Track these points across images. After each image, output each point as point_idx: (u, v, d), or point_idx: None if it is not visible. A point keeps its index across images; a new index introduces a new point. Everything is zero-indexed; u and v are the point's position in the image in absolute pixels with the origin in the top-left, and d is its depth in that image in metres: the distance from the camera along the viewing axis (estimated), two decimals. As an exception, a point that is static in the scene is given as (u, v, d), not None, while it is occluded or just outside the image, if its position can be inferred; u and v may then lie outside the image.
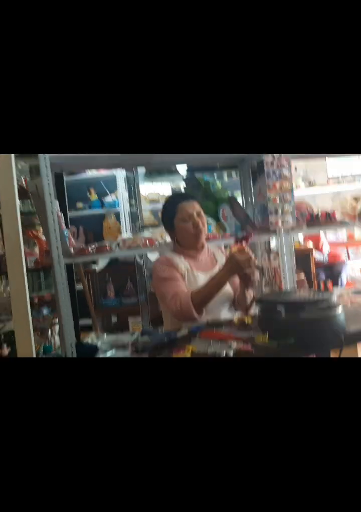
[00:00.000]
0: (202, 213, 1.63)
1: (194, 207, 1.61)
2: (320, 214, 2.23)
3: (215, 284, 1.44)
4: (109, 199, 4.41)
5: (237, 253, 1.40)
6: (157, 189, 3.90)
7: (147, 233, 1.96)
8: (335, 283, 3.93)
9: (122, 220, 4.35)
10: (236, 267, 1.40)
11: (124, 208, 4.30)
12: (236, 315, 1.60)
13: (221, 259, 1.72)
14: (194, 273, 1.60)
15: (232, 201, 2.15)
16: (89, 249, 1.69)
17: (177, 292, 1.46)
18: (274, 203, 1.99)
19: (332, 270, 3.90)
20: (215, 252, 1.80)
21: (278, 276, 2.40)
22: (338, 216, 2.25)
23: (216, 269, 1.63)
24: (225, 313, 1.66)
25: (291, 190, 2.03)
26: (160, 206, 4.10)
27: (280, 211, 1.99)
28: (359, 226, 2.27)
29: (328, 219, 2.20)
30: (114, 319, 4.09)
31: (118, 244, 1.82)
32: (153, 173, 2.18)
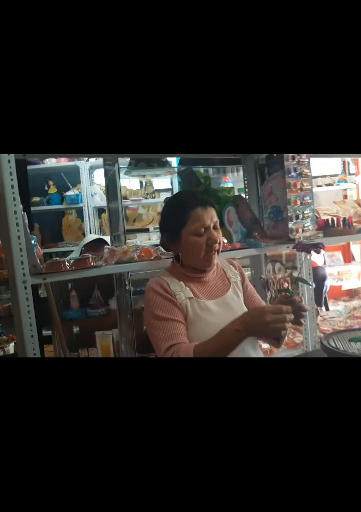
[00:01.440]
0: (218, 224, 1.13)
1: (212, 217, 1.11)
2: (335, 220, 1.92)
3: (226, 343, 0.94)
4: (70, 193, 3.89)
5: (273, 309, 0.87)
6: (124, 183, 3.44)
7: (138, 241, 1.51)
8: (320, 289, 3.75)
9: (85, 217, 3.86)
10: (257, 320, 0.89)
11: (88, 203, 3.82)
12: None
13: (235, 277, 1.22)
14: (200, 304, 1.09)
15: (238, 200, 1.77)
16: (66, 264, 1.21)
17: (175, 344, 0.99)
18: (294, 206, 1.63)
19: (315, 275, 3.71)
20: (224, 266, 1.25)
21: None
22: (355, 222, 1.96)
23: (230, 293, 1.16)
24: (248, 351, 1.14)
25: (311, 191, 1.70)
26: (129, 203, 3.78)
27: (301, 216, 1.65)
28: (373, 234, 1.99)
29: (345, 226, 1.90)
30: (75, 330, 3.56)
31: (103, 258, 1.36)
32: (140, 165, 1.72)
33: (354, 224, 1.92)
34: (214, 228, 1.11)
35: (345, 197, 4.32)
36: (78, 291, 3.32)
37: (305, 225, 1.67)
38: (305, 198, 1.65)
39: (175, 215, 1.10)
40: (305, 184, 1.65)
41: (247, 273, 2.90)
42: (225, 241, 1.79)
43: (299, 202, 1.63)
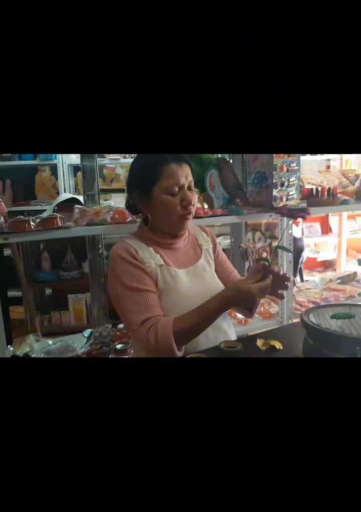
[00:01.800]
0: (193, 184, 1.00)
1: (187, 176, 0.97)
2: (319, 190, 1.86)
3: (206, 319, 0.91)
4: (43, 147, 3.61)
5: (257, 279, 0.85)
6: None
7: (113, 202, 1.39)
8: (296, 260, 3.77)
9: (60, 175, 3.64)
10: (244, 298, 0.87)
11: (62, 160, 3.60)
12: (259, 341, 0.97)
13: (207, 244, 1.12)
14: (171, 272, 0.98)
15: (222, 163, 1.67)
16: (31, 223, 1.10)
17: (150, 317, 0.90)
18: (281, 172, 1.55)
19: (294, 245, 3.71)
20: (196, 233, 1.14)
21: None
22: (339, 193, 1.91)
23: (201, 262, 1.06)
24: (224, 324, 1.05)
25: (298, 158, 1.61)
26: (107, 162, 3.56)
27: (286, 183, 1.57)
28: (358, 203, 1.96)
29: (329, 196, 1.85)
30: (47, 292, 3.45)
31: (74, 219, 1.25)
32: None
33: (339, 195, 1.87)
34: (189, 188, 0.98)
35: (328, 167, 4.28)
36: (50, 253, 3.19)
37: (290, 193, 1.59)
38: (291, 164, 1.57)
39: (146, 170, 0.95)
40: (292, 149, 1.56)
41: (226, 241, 2.85)
42: (206, 206, 1.70)
43: (285, 168, 1.54)
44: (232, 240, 2.02)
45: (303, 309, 1.83)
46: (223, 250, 2.68)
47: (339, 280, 2.16)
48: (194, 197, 0.99)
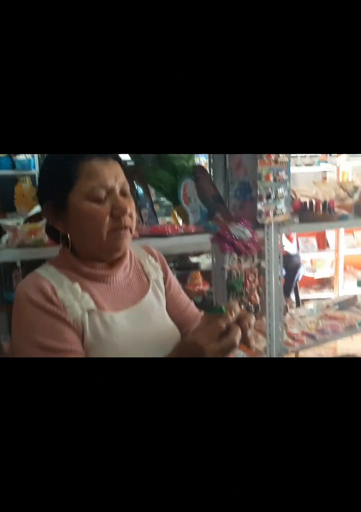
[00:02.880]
0: (127, 188, 0.72)
1: (118, 176, 0.71)
2: (314, 203, 1.61)
3: None
4: (21, 157, 3.41)
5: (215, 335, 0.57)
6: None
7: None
8: (291, 278, 3.51)
9: (38, 186, 3.40)
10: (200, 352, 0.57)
11: (41, 170, 3.36)
12: None
13: (156, 273, 0.83)
14: (105, 319, 0.70)
15: (199, 172, 1.42)
16: None
17: None
18: (266, 182, 1.30)
19: (288, 262, 3.46)
20: (141, 257, 0.84)
21: (249, 284, 1.78)
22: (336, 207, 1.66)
23: (148, 297, 0.78)
24: None
25: (288, 165, 1.37)
26: None
27: (273, 195, 1.32)
28: (357, 219, 1.71)
29: (325, 211, 1.60)
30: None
31: (6, 239, 0.99)
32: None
33: (336, 209, 1.62)
34: (122, 193, 0.71)
35: (324, 179, 4.07)
36: (25, 273, 2.92)
37: (278, 207, 1.34)
38: (279, 173, 1.32)
39: (58, 170, 0.68)
40: (281, 156, 1.31)
41: (207, 260, 2.55)
42: (181, 222, 1.45)
43: (271, 178, 1.30)
44: (214, 260, 1.76)
45: (296, 344, 1.56)
46: (204, 272, 2.36)
47: (338, 306, 1.89)
48: (131, 205, 0.72)
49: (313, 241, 4.48)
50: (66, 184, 0.67)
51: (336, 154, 3.94)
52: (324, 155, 4.14)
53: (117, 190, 0.69)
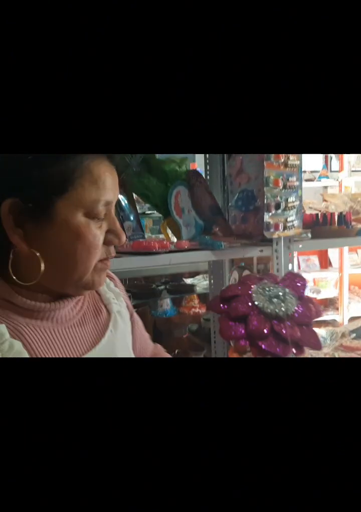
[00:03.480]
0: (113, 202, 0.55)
1: (117, 186, 0.55)
2: (326, 215, 1.39)
3: None
4: None
5: None
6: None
7: None
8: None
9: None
10: None
11: None
12: None
13: (119, 304, 0.63)
14: None
15: (193, 178, 1.21)
16: None
17: None
18: (274, 189, 1.08)
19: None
20: (103, 296, 0.62)
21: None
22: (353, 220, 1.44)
23: (110, 336, 0.57)
24: None
25: (300, 170, 1.15)
26: None
27: (283, 204, 1.09)
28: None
29: (341, 225, 1.38)
30: None
31: None
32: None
33: (353, 223, 1.40)
34: (107, 203, 0.53)
35: (325, 200, 3.91)
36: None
37: (289, 219, 1.12)
38: (290, 178, 1.10)
39: (48, 164, 0.49)
40: (291, 158, 1.10)
41: (204, 283, 2.25)
42: (171, 236, 1.23)
43: (281, 183, 1.07)
44: (212, 281, 1.52)
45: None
46: (200, 295, 2.10)
47: (354, 334, 1.65)
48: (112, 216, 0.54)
49: (315, 259, 4.27)
50: (60, 184, 0.47)
51: (337, 170, 3.80)
52: (324, 171, 4.00)
53: (113, 209, 0.51)
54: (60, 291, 0.52)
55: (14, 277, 0.49)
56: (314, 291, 3.89)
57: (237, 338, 0.32)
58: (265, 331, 0.31)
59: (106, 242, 0.52)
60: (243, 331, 0.33)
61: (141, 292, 1.51)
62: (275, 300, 0.33)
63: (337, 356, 1.44)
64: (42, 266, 0.48)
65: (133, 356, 0.61)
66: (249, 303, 0.32)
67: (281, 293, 0.33)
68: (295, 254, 3.99)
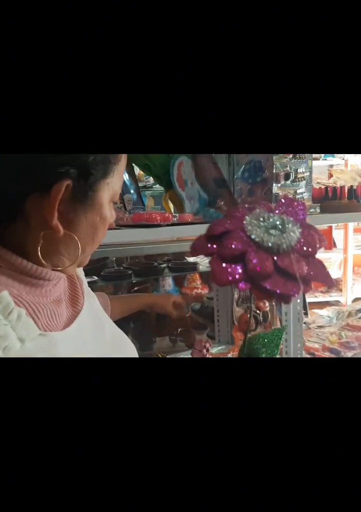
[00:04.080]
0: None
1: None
2: (336, 189, 1.34)
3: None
4: None
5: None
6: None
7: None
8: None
9: None
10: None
11: None
12: None
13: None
14: (44, 342, 0.47)
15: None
16: None
17: None
18: (283, 158, 1.02)
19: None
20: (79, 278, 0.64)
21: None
22: (364, 195, 1.37)
23: (84, 319, 0.56)
24: None
25: (310, 138, 1.08)
26: None
27: (292, 175, 1.04)
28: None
29: (351, 199, 1.32)
30: None
31: None
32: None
33: (364, 197, 1.34)
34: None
35: (330, 175, 3.83)
36: None
37: (298, 191, 1.06)
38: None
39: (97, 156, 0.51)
40: (301, 125, 1.03)
41: (206, 260, 2.27)
42: (173, 208, 1.18)
43: (290, 153, 1.01)
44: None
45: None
46: (203, 274, 2.05)
47: (360, 313, 1.61)
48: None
49: (319, 240, 4.23)
50: (103, 171, 0.50)
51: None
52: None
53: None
54: (69, 266, 0.51)
55: (44, 261, 0.48)
56: (318, 272, 3.86)
57: (235, 281, 0.27)
58: (268, 268, 0.27)
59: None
60: (241, 272, 0.28)
61: (142, 270, 1.47)
62: (273, 231, 0.28)
63: (343, 335, 1.41)
64: (80, 247, 0.49)
65: (108, 316, 0.65)
66: (245, 239, 0.28)
67: (278, 223, 0.29)
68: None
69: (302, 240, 0.30)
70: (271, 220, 0.30)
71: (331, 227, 3.96)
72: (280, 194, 1.03)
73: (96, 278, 1.31)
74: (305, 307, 3.33)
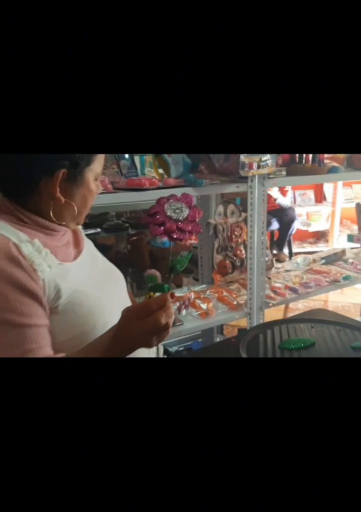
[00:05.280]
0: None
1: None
2: (304, 155, 1.55)
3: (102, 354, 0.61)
4: None
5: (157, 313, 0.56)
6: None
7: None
8: (285, 232, 3.49)
9: None
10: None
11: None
12: None
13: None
14: (67, 270, 0.70)
15: (181, 122, 1.34)
16: None
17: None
18: (249, 132, 1.22)
19: (282, 215, 3.41)
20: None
21: (235, 239, 1.76)
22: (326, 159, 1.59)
23: (87, 243, 0.83)
24: None
25: (275, 113, 1.28)
26: None
27: (257, 146, 1.24)
28: (347, 171, 1.66)
29: (314, 163, 1.54)
30: None
31: None
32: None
33: (326, 162, 1.56)
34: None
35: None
36: None
37: (263, 159, 1.28)
38: (265, 122, 1.24)
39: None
40: (266, 103, 1.23)
41: None
42: (162, 173, 1.40)
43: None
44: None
45: (278, 297, 1.57)
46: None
47: (324, 260, 1.89)
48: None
49: (311, 194, 4.39)
50: (87, 161, 0.70)
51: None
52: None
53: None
54: (67, 226, 0.75)
55: (54, 218, 0.71)
56: (305, 224, 4.09)
57: (159, 233, 0.55)
58: (174, 227, 0.55)
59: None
60: (162, 229, 0.56)
61: (138, 223, 1.73)
62: (176, 210, 0.56)
63: (304, 278, 1.70)
64: (76, 210, 0.72)
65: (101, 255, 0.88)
66: (164, 214, 0.54)
67: (179, 206, 0.55)
68: (290, 188, 4.09)
69: (189, 214, 0.57)
70: (176, 205, 0.57)
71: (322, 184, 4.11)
72: (246, 162, 1.25)
73: (99, 230, 1.57)
74: (290, 254, 3.62)
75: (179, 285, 1.88)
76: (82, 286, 0.70)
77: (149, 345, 0.58)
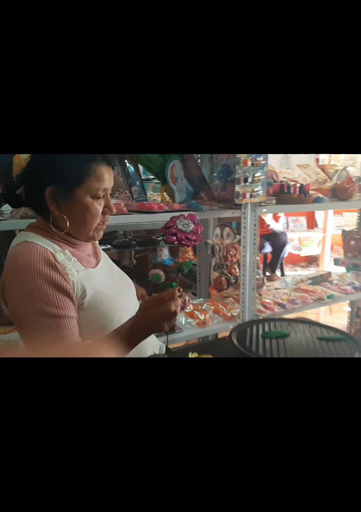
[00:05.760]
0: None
1: (111, 181, 0.85)
2: (291, 186, 1.76)
3: (127, 346, 0.80)
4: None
5: (166, 305, 0.75)
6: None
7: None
8: (277, 255, 3.69)
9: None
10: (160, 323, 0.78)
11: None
12: None
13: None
14: (91, 275, 0.87)
15: (186, 153, 1.56)
16: None
17: (70, 348, 0.76)
18: (244, 166, 1.44)
19: (275, 240, 3.63)
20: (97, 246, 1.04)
21: (230, 258, 1.96)
22: (311, 190, 1.81)
23: (103, 255, 0.99)
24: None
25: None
26: None
27: (250, 179, 1.47)
28: (332, 202, 1.87)
29: (300, 194, 1.75)
30: None
31: (11, 211, 1.14)
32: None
33: (311, 192, 1.77)
34: (109, 194, 0.87)
35: (317, 160, 4.18)
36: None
37: (255, 189, 1.49)
38: (257, 158, 1.46)
39: (72, 166, 0.77)
40: (259, 142, 1.45)
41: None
42: (168, 199, 1.60)
43: (249, 162, 1.44)
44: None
45: (267, 311, 1.75)
46: (194, 247, 2.55)
47: (311, 281, 2.08)
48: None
49: (303, 220, 4.63)
50: (78, 179, 0.78)
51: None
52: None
53: (109, 192, 0.85)
54: (78, 239, 0.89)
55: (53, 228, 0.84)
56: (297, 248, 4.30)
57: (173, 241, 0.75)
58: (183, 237, 0.75)
59: (103, 212, 0.84)
60: (174, 238, 0.76)
61: (144, 241, 1.92)
62: (185, 225, 0.77)
63: (292, 295, 1.88)
64: (68, 223, 0.82)
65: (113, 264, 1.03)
66: (176, 227, 0.75)
67: (187, 222, 0.76)
68: (283, 215, 4.30)
69: (193, 228, 0.77)
70: (184, 221, 0.77)
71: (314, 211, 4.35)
72: (240, 192, 1.46)
73: (109, 246, 1.75)
74: (282, 272, 3.81)
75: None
76: (102, 288, 0.86)
77: (161, 329, 0.76)
